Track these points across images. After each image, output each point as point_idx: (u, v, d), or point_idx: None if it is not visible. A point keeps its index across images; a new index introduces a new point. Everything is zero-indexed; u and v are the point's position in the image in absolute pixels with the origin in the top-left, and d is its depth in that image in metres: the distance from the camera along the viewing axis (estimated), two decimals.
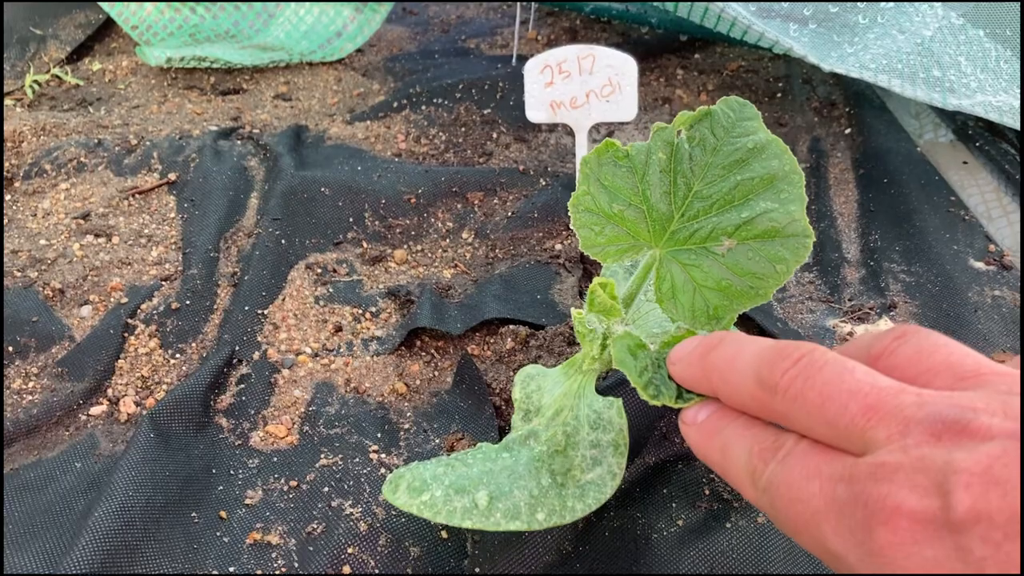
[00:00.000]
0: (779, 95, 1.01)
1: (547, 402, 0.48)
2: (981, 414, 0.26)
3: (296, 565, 0.48)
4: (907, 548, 0.25)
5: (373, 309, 0.67)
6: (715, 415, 0.36)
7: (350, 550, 0.48)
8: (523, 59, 0.74)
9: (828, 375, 0.30)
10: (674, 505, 0.50)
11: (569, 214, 0.49)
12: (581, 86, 0.72)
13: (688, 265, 0.46)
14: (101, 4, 0.99)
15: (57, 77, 1.01)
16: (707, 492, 0.51)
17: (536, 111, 0.74)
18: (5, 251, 0.71)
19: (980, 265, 0.72)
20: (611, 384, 0.54)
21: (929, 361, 0.31)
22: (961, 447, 0.25)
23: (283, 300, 0.67)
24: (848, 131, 0.94)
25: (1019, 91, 0.81)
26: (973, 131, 0.94)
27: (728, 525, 0.49)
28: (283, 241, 0.72)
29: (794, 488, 0.30)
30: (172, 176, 0.80)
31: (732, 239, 0.44)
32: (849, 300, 0.68)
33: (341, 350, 0.63)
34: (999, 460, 0.24)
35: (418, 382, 0.62)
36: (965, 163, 0.89)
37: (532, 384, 0.49)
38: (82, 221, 0.75)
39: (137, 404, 0.59)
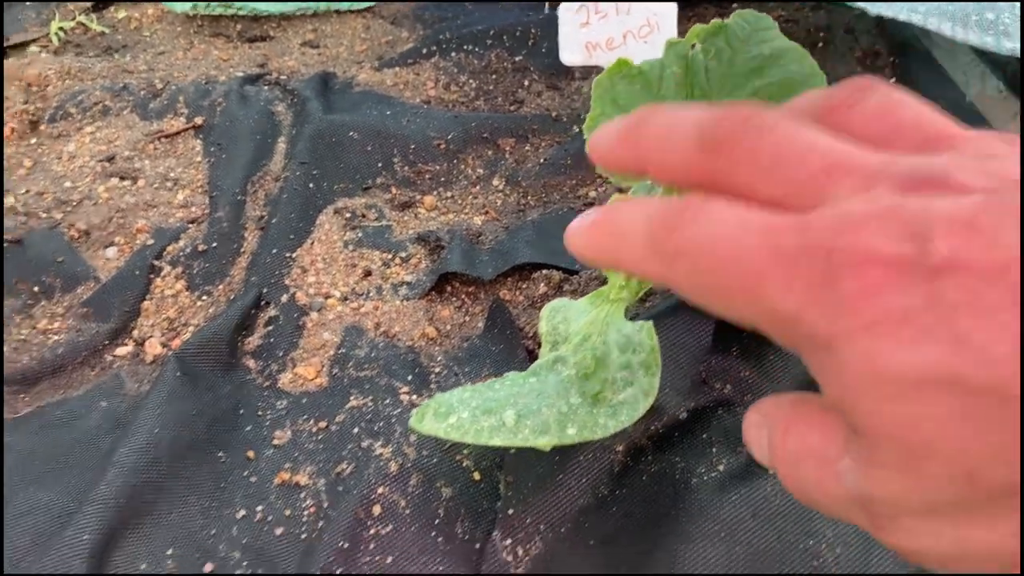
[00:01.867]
0: (820, 45, 0.98)
1: (574, 330, 0.46)
2: (957, 171, 0.23)
3: (325, 505, 0.47)
4: (876, 296, 0.22)
5: (403, 254, 0.66)
6: (601, 208, 0.31)
7: (380, 490, 0.46)
8: (555, 4, 0.71)
9: (784, 130, 0.26)
10: (714, 450, 0.48)
11: (584, 137, 0.47)
12: (618, 26, 0.70)
13: None
14: None
15: (82, 24, 1.00)
16: None
17: (570, 53, 0.71)
18: (30, 193, 0.70)
19: None
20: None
21: (893, 118, 0.27)
22: (940, 198, 0.22)
23: (311, 244, 0.66)
24: (893, 81, 0.91)
25: None
26: None
27: (771, 471, 0.47)
28: (311, 185, 0.70)
29: (722, 247, 0.25)
30: (198, 120, 0.79)
31: None
32: None
33: (370, 294, 0.62)
34: (983, 211, 0.21)
35: (449, 327, 0.60)
36: (1017, 115, 0.85)
37: (559, 316, 0.48)
38: (107, 164, 0.73)
39: (163, 345, 0.58)
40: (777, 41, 0.44)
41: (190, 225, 0.68)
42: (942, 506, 0.22)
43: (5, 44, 0.94)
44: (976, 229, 0.21)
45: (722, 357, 0.52)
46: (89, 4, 1.03)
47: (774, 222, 0.24)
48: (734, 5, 1.07)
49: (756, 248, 0.24)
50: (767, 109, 0.26)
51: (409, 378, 0.55)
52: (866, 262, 0.22)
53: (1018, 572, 0.22)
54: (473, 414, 0.41)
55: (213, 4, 0.97)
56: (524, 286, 0.62)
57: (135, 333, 0.59)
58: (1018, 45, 0.74)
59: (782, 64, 0.43)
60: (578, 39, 0.70)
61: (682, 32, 0.95)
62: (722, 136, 0.27)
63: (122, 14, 1.02)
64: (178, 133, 0.78)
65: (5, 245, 0.64)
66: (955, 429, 0.21)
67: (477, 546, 0.45)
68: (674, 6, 0.69)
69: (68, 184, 0.71)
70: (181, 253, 0.65)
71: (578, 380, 0.43)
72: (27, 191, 0.70)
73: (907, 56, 0.95)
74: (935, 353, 0.21)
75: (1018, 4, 0.75)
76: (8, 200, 0.69)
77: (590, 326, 0.46)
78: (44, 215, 0.68)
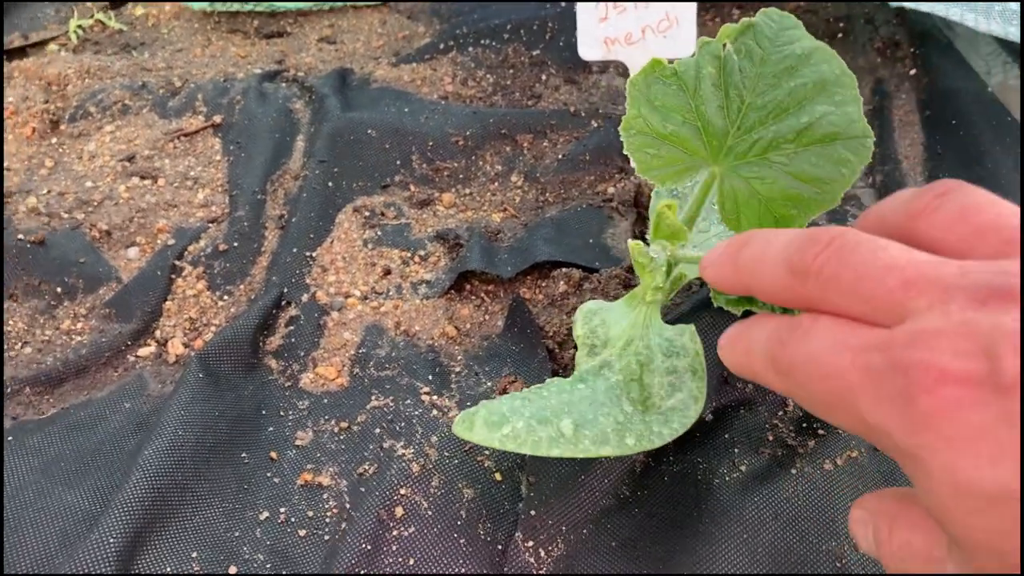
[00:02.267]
0: (840, 35, 0.97)
1: (615, 334, 0.46)
2: None
3: (348, 506, 0.47)
4: (952, 414, 0.23)
5: (422, 253, 0.66)
6: (740, 324, 0.35)
7: (403, 491, 0.46)
8: None
9: (863, 253, 0.28)
10: (736, 450, 0.48)
11: (622, 139, 0.47)
12: (637, 21, 0.69)
13: (751, 178, 0.45)
14: None
15: (100, 22, 1.00)
16: (771, 438, 0.49)
17: (589, 48, 0.71)
18: (52, 193, 0.71)
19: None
20: (672, 320, 0.52)
21: (975, 221, 0.29)
22: (1008, 312, 0.24)
23: (331, 243, 0.66)
24: (913, 72, 0.90)
25: None
26: None
27: (793, 471, 0.47)
28: (330, 184, 0.71)
29: (822, 364, 0.28)
30: (217, 118, 0.79)
31: (795, 146, 0.43)
32: None
33: (390, 293, 0.62)
34: None
35: (468, 325, 0.60)
36: (1020, 92, 0.84)
37: (596, 319, 0.48)
38: (128, 163, 0.74)
39: (185, 345, 0.59)
40: (805, 40, 0.45)
41: (210, 225, 0.68)
42: None
43: (26, 43, 0.94)
44: None
45: None
46: (107, 2, 1.04)
47: (864, 340, 0.27)
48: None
49: (849, 367, 0.27)
50: (849, 231, 0.29)
51: (430, 378, 0.55)
52: (941, 379, 0.24)
53: None
54: (528, 424, 0.41)
55: (230, 1, 0.97)
56: (544, 284, 0.62)
57: (157, 334, 0.60)
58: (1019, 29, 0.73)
59: (813, 64, 0.44)
60: (596, 34, 0.70)
61: (699, 26, 0.94)
62: (808, 262, 0.29)
63: (140, 11, 1.03)
64: (197, 132, 0.78)
65: (28, 246, 0.64)
66: None
67: (499, 547, 0.45)
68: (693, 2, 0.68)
69: (89, 184, 0.72)
70: (202, 253, 0.65)
71: (626, 386, 0.43)
72: (49, 191, 0.71)
73: (927, 46, 0.93)
74: (1013, 470, 0.22)
75: None
76: (30, 201, 0.69)
77: (631, 330, 0.46)
78: (66, 215, 0.69)
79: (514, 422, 0.41)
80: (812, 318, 0.29)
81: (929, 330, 0.25)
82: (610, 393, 0.43)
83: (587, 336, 0.47)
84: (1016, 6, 0.76)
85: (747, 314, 0.38)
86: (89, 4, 1.03)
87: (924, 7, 0.78)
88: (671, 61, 0.47)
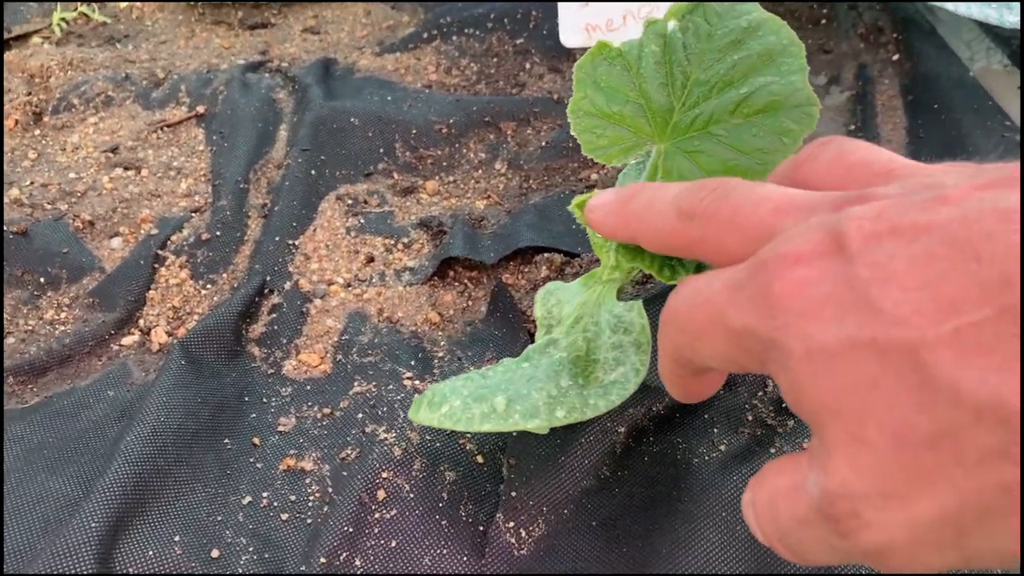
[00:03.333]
0: (823, 21, 0.97)
1: (567, 313, 0.47)
2: (879, 189, 0.27)
3: (330, 490, 0.47)
4: (802, 289, 0.25)
5: (405, 240, 0.66)
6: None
7: (385, 475, 0.47)
8: None
9: (742, 191, 0.31)
10: (716, 430, 0.49)
11: (569, 121, 0.48)
12: (618, 8, 0.70)
13: (692, 152, 0.45)
14: None
15: (84, 15, 1.00)
16: (750, 418, 0.49)
17: (570, 35, 0.71)
18: (35, 184, 0.71)
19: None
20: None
21: (848, 160, 0.32)
22: (855, 206, 0.26)
23: (314, 231, 0.66)
24: (896, 57, 0.90)
25: None
26: None
27: (772, 451, 0.47)
28: (313, 172, 0.71)
29: (696, 294, 0.30)
30: (200, 109, 0.79)
31: (735, 116, 0.43)
32: None
33: (373, 280, 0.62)
34: (890, 206, 0.25)
35: (451, 312, 0.60)
36: (1020, 88, 0.85)
37: (552, 299, 0.48)
38: (111, 154, 0.74)
39: (169, 334, 0.59)
40: (754, 14, 0.44)
41: (194, 214, 0.68)
42: (890, 483, 0.23)
43: (7, 36, 0.94)
44: (882, 218, 0.24)
45: None
46: None
47: (733, 267, 0.29)
48: None
49: (719, 289, 0.29)
50: (734, 179, 0.32)
51: (412, 363, 0.55)
52: (792, 264, 0.25)
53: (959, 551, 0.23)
54: (465, 402, 0.42)
55: None
56: (526, 269, 0.62)
57: (141, 322, 0.60)
58: (1020, 19, 0.73)
59: (759, 36, 0.43)
60: (578, 21, 0.70)
61: None
62: (694, 204, 0.32)
63: (123, 4, 1.03)
64: (180, 122, 0.78)
65: (11, 236, 0.64)
66: (881, 390, 0.23)
67: (481, 528, 0.45)
68: None
69: (72, 175, 0.72)
70: (185, 242, 0.65)
71: (569, 362, 0.43)
72: (32, 183, 0.71)
73: (910, 32, 0.94)
74: (853, 322, 0.24)
75: None
76: (13, 192, 0.69)
77: (582, 308, 0.46)
78: (49, 206, 0.68)
79: (452, 401, 0.42)
80: (691, 275, 0.32)
81: (787, 234, 0.27)
82: (550, 369, 0.43)
83: (545, 317, 0.47)
84: None
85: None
86: None
87: None
88: None
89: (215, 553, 0.44)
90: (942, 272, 0.22)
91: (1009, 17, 0.74)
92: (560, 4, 0.69)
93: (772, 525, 0.28)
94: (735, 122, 0.43)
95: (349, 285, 0.62)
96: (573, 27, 0.70)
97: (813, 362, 0.24)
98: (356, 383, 0.54)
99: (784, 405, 0.50)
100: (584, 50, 0.88)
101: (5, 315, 0.60)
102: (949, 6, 0.76)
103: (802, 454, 0.28)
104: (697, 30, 0.45)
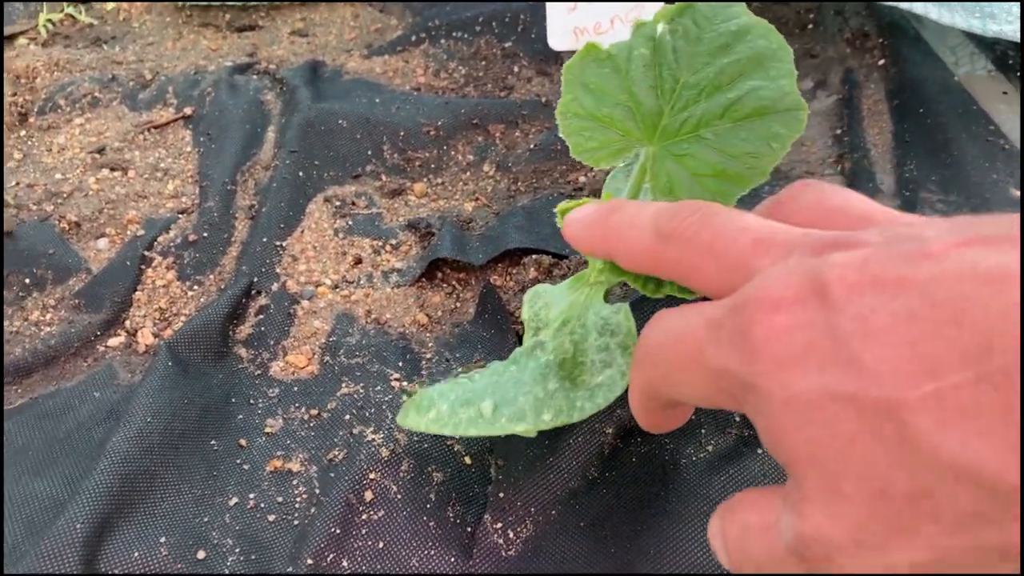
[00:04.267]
0: (810, 27, 0.98)
1: (554, 315, 0.47)
2: (860, 235, 0.27)
3: (317, 491, 0.47)
4: (781, 336, 0.25)
5: (393, 241, 0.66)
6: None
7: (372, 476, 0.47)
8: None
9: (722, 218, 0.31)
10: (703, 431, 0.49)
11: (558, 123, 0.48)
12: (605, 11, 0.70)
13: (681, 156, 0.45)
14: None
15: (71, 16, 1.00)
16: (738, 419, 0.49)
17: (558, 38, 0.71)
18: (21, 185, 0.70)
19: (1020, 194, 0.69)
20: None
21: (827, 203, 0.33)
22: (837, 253, 0.26)
23: (302, 232, 0.66)
24: (882, 62, 0.91)
25: None
26: (1014, 60, 0.90)
27: (760, 451, 0.47)
28: (301, 174, 0.71)
29: (674, 329, 0.30)
30: (188, 110, 0.79)
31: (723, 121, 0.43)
32: None
33: (361, 282, 0.62)
34: (872, 257, 0.25)
35: (440, 313, 0.60)
36: (1005, 93, 0.85)
37: (540, 301, 0.48)
38: (97, 155, 0.73)
39: (155, 335, 0.58)
40: (743, 17, 0.44)
41: (180, 215, 0.68)
42: (866, 534, 0.24)
43: None
44: (865, 269, 0.25)
45: None
46: None
47: (713, 305, 0.29)
48: None
49: (697, 326, 0.29)
50: (716, 204, 0.32)
51: (400, 364, 0.55)
52: (772, 308, 0.26)
53: None
54: (452, 407, 0.42)
55: None
56: (514, 271, 0.62)
57: (127, 324, 0.60)
58: (1003, 27, 0.74)
59: (748, 40, 0.43)
60: (566, 24, 0.70)
61: None
62: (674, 226, 0.32)
63: (110, 5, 1.02)
64: (168, 123, 0.78)
65: None
66: (860, 445, 0.23)
67: (468, 530, 0.45)
68: None
69: (58, 176, 0.71)
70: (172, 243, 0.65)
71: (556, 365, 0.43)
72: (17, 183, 0.70)
73: (896, 37, 0.94)
74: (834, 375, 0.24)
75: None
76: None
77: (569, 310, 0.46)
78: (35, 207, 0.68)
79: (439, 406, 0.42)
80: (666, 309, 0.32)
81: (767, 275, 0.27)
82: (537, 372, 0.43)
83: (531, 319, 0.47)
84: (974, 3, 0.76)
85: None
86: None
87: (890, 0, 0.79)
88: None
89: (201, 555, 0.44)
90: (923, 332, 0.23)
91: (992, 26, 0.75)
92: (548, 7, 0.69)
93: (743, 558, 0.29)
94: (724, 126, 0.44)
95: (337, 286, 0.62)
96: (561, 30, 0.70)
97: (791, 410, 0.25)
98: (344, 384, 0.54)
99: None
100: (572, 53, 0.89)
101: None
102: (933, 15, 0.77)
103: (775, 491, 0.28)
104: (686, 33, 0.45)
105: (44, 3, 1.01)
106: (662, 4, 0.69)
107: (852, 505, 0.24)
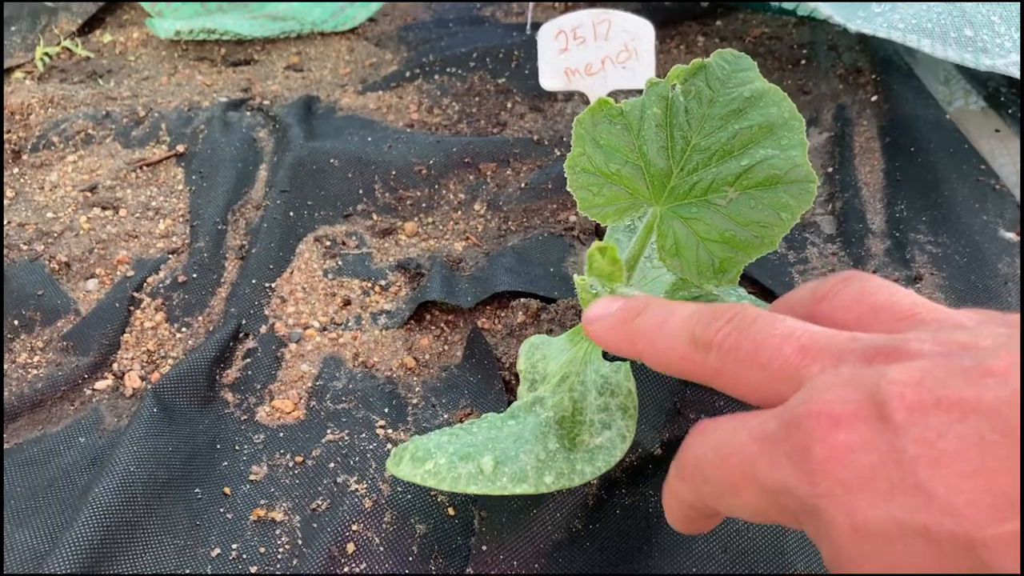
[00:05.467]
0: (803, 62, 0.98)
1: (552, 369, 0.46)
2: (912, 342, 0.26)
3: (300, 542, 0.47)
4: (844, 457, 0.24)
5: (383, 282, 0.66)
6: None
7: (355, 527, 0.46)
8: (538, 27, 0.72)
9: (762, 325, 0.30)
10: None
11: (566, 176, 0.48)
12: (596, 52, 0.70)
13: (690, 219, 0.45)
14: None
15: (68, 49, 1.00)
16: None
17: (550, 79, 0.72)
18: (12, 224, 0.70)
19: (1011, 236, 0.69)
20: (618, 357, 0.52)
21: (871, 300, 0.31)
22: (892, 365, 0.25)
23: (291, 273, 0.66)
24: (874, 98, 0.91)
25: None
26: (1006, 97, 0.91)
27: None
28: (291, 213, 0.71)
29: (721, 447, 0.29)
30: (180, 148, 0.79)
31: (734, 189, 0.43)
32: (873, 272, 0.66)
33: (349, 324, 0.62)
34: (930, 372, 0.24)
35: (427, 356, 0.60)
36: (997, 131, 0.86)
37: (537, 353, 0.48)
38: (89, 194, 0.74)
39: (142, 378, 0.58)
40: (757, 83, 0.44)
41: (171, 256, 0.68)
42: None
43: None
44: (924, 387, 0.23)
45: (697, 388, 0.52)
46: (74, 28, 1.04)
47: (760, 417, 0.28)
48: (717, 23, 1.07)
49: (747, 441, 0.27)
50: (750, 308, 0.31)
51: (386, 410, 0.55)
52: (833, 426, 0.24)
53: None
54: (450, 460, 0.41)
55: (196, 29, 0.98)
56: (503, 314, 0.62)
57: (115, 366, 0.60)
58: (995, 61, 0.74)
59: (761, 107, 0.43)
60: (557, 65, 0.71)
61: (662, 53, 0.95)
62: (711, 336, 0.31)
63: (107, 38, 1.03)
64: (160, 161, 0.78)
65: None
66: None
67: None
68: (651, 29, 0.69)
69: (50, 215, 0.72)
70: (161, 284, 0.65)
71: (556, 423, 0.43)
72: (8, 222, 0.71)
73: (889, 72, 0.95)
74: (903, 505, 0.23)
75: (996, 22, 0.75)
76: None
77: (568, 366, 0.46)
78: (25, 247, 0.68)
79: (437, 458, 0.41)
80: (710, 420, 0.31)
81: (820, 387, 0.26)
82: (537, 430, 0.43)
83: (528, 371, 0.47)
84: (971, 32, 0.77)
85: None
86: (56, 31, 1.03)
87: (883, 34, 0.79)
88: (618, 100, 0.47)
89: None
90: (996, 461, 0.22)
91: (984, 60, 0.75)
92: (540, 48, 0.70)
93: None
94: (735, 193, 0.43)
95: (325, 329, 0.62)
96: (553, 71, 0.71)
97: (859, 539, 0.24)
98: (329, 431, 0.54)
99: None
100: (564, 93, 0.89)
101: None
102: (926, 49, 0.77)
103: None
104: (699, 95, 0.44)
105: (42, 36, 1.01)
106: (652, 38, 0.69)
107: None
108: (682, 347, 0.32)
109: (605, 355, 0.46)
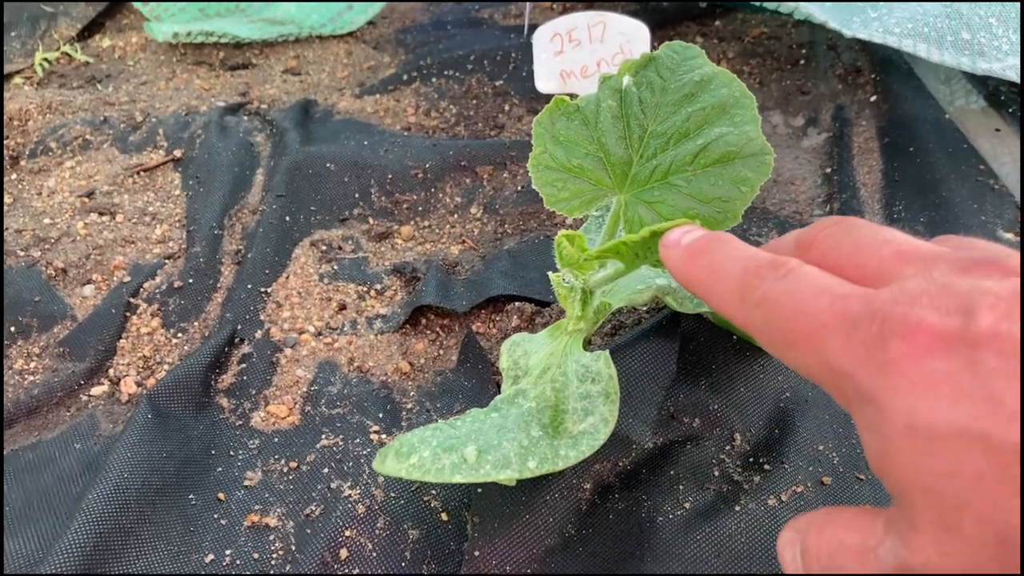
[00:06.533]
0: (802, 62, 0.98)
1: (534, 363, 0.47)
2: (1009, 258, 0.26)
3: (293, 548, 0.47)
4: (920, 359, 0.24)
5: (378, 286, 0.66)
6: (705, 237, 0.35)
7: (348, 533, 0.46)
8: (536, 29, 0.72)
9: (865, 229, 0.31)
10: (681, 487, 0.48)
11: (530, 175, 0.49)
12: (592, 54, 0.70)
13: (653, 202, 0.46)
14: None
15: (67, 54, 1.00)
16: (717, 473, 0.49)
17: (546, 81, 0.72)
18: (9, 230, 0.71)
19: (1010, 236, 0.69)
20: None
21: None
22: (990, 278, 0.25)
23: (287, 278, 0.66)
24: (874, 98, 0.91)
25: None
26: (1006, 97, 0.90)
27: (737, 508, 0.47)
28: (287, 218, 0.71)
29: (799, 302, 0.28)
30: (177, 153, 0.79)
31: (693, 168, 0.44)
32: None
33: (345, 329, 0.62)
34: None
35: (422, 361, 0.60)
36: (997, 130, 0.85)
37: (519, 350, 0.48)
38: (87, 199, 0.74)
39: (138, 384, 0.58)
40: (706, 68, 0.46)
41: (167, 261, 0.68)
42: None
43: None
44: (1017, 306, 0.24)
45: (691, 391, 0.52)
46: (74, 33, 1.04)
47: (847, 290, 0.28)
48: (715, 24, 1.07)
49: (826, 309, 0.27)
50: (855, 218, 0.32)
51: (380, 416, 0.55)
52: (916, 330, 0.25)
53: None
54: (434, 453, 0.41)
55: (194, 32, 0.98)
56: (497, 318, 0.62)
57: (111, 372, 0.60)
58: (992, 65, 0.74)
59: (712, 89, 0.45)
60: (553, 67, 0.71)
61: None
62: (814, 234, 0.32)
63: (107, 43, 1.03)
64: (157, 166, 0.78)
65: None
66: (987, 486, 0.23)
67: None
68: (646, 31, 0.69)
69: (47, 220, 0.72)
70: (157, 290, 0.65)
71: (538, 412, 0.43)
72: (6, 228, 0.71)
73: (888, 72, 0.95)
74: (969, 411, 0.23)
75: (993, 24, 0.75)
76: None
77: (549, 358, 0.46)
78: (22, 253, 0.68)
79: (421, 451, 0.41)
80: (798, 262, 0.30)
81: (912, 289, 0.26)
82: (520, 420, 0.43)
83: (511, 368, 0.47)
84: (968, 36, 0.76)
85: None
86: (56, 36, 1.03)
87: (879, 39, 0.79)
88: (574, 97, 0.48)
89: None
90: None
91: (981, 63, 0.75)
92: (535, 51, 0.70)
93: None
94: (693, 172, 0.44)
95: (320, 334, 0.62)
96: (548, 74, 0.71)
97: (913, 438, 0.24)
98: (324, 436, 0.54)
99: (751, 460, 0.49)
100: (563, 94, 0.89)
101: None
102: (923, 53, 0.77)
103: (876, 514, 0.28)
104: (651, 84, 0.46)
105: (41, 41, 1.02)
106: (647, 39, 0.69)
107: (969, 545, 0.23)
108: (790, 247, 0.33)
109: (585, 346, 0.47)
